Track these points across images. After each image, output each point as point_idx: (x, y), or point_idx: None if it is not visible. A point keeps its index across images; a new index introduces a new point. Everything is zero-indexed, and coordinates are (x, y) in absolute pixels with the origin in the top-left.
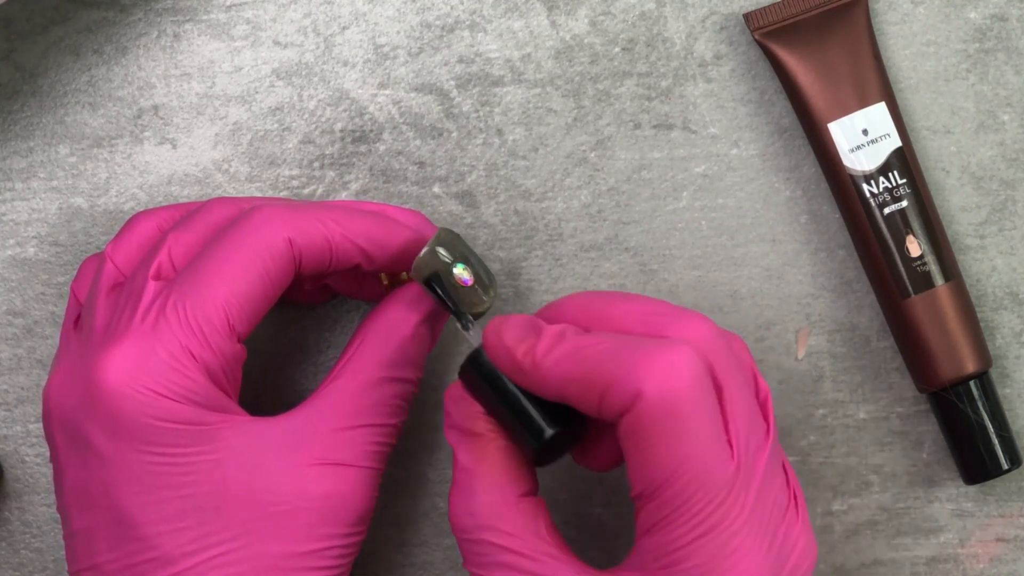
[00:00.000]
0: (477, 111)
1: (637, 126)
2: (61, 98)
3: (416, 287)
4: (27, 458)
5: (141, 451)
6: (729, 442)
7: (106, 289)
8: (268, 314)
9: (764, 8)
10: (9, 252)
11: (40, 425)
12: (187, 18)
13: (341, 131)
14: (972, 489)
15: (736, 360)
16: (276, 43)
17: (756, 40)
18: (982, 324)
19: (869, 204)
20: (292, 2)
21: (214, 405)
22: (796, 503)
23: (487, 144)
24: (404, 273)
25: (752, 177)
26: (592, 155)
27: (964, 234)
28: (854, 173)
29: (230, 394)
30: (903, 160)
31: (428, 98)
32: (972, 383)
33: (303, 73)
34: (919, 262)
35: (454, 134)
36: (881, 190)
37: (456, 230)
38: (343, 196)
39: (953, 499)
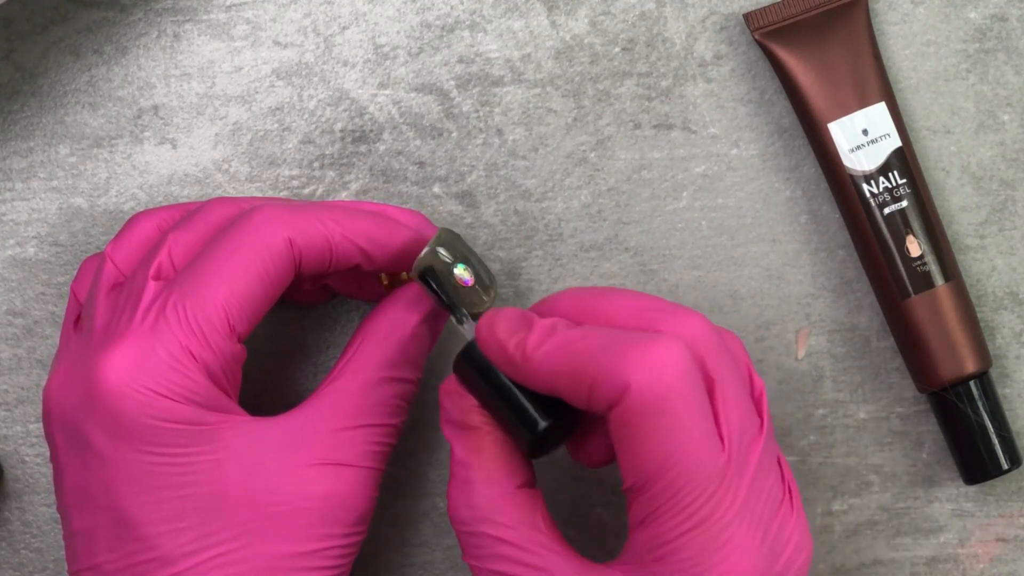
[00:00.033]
0: (477, 111)
1: (637, 126)
2: (61, 98)
3: (416, 287)
4: (27, 458)
5: (141, 451)
6: (720, 435)
7: (106, 289)
8: (268, 314)
9: (764, 8)
10: (9, 252)
11: (40, 425)
12: (187, 18)
13: (341, 131)
14: (972, 489)
15: (729, 355)
16: (276, 43)
17: (756, 40)
18: (982, 324)
19: (869, 204)
20: (292, 2)
21: (214, 405)
22: (791, 498)
23: (487, 144)
24: (404, 273)
25: (752, 177)
26: (592, 155)
27: (964, 234)
28: (854, 173)
29: (230, 394)
30: (903, 160)
31: (428, 98)
32: (972, 383)
33: (303, 73)
34: (919, 262)
35: (454, 134)
36: (881, 190)
37: (456, 230)
38: (343, 196)
39: (953, 499)
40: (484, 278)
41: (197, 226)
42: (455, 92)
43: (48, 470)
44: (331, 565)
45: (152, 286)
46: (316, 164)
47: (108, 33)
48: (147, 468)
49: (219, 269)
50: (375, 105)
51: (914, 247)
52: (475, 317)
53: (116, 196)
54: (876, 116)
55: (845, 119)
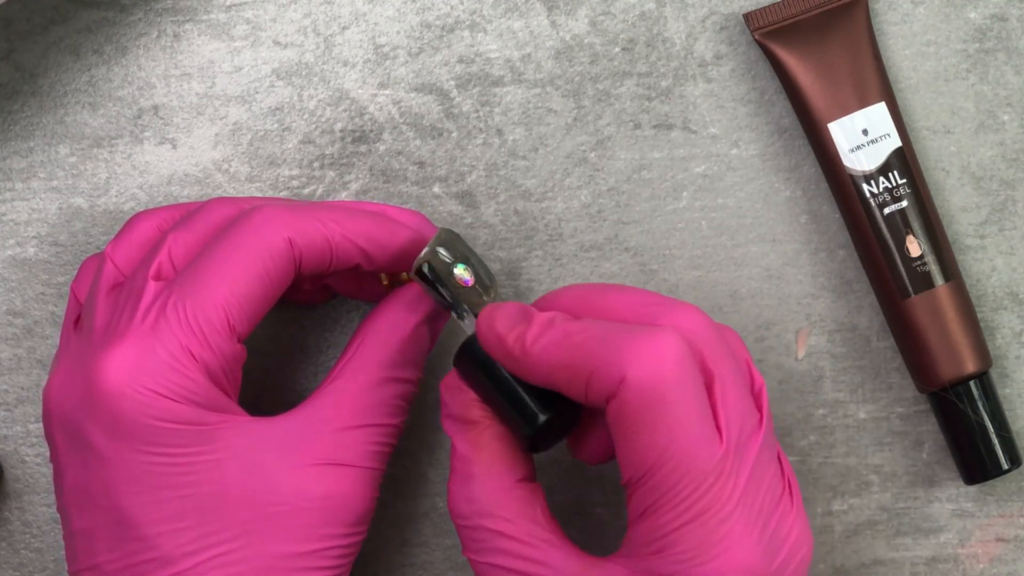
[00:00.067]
0: (477, 111)
1: (637, 126)
2: (61, 98)
3: (416, 287)
4: (27, 458)
5: (141, 451)
6: (718, 427)
7: (106, 289)
8: (268, 314)
9: (764, 8)
10: (9, 252)
11: (40, 425)
12: (187, 18)
13: (341, 131)
14: (972, 489)
15: (728, 350)
16: (276, 43)
17: (756, 40)
18: (982, 324)
19: (869, 204)
20: (292, 2)
21: (214, 405)
22: (791, 493)
23: (487, 144)
24: (404, 273)
25: (752, 177)
26: (592, 155)
27: (964, 234)
28: (854, 173)
29: (230, 394)
30: (903, 160)
31: (428, 98)
32: (972, 383)
33: (303, 73)
34: (919, 262)
35: (454, 134)
36: (881, 190)
37: (456, 230)
38: (343, 196)
39: (953, 499)
40: (484, 278)
41: (197, 226)
42: (455, 92)
43: (48, 470)
44: (331, 565)
45: (152, 286)
46: (316, 164)
47: (108, 33)
48: (147, 468)
49: (219, 269)
50: (375, 105)
51: (914, 247)
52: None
53: (116, 196)
54: (876, 116)
55: (845, 119)
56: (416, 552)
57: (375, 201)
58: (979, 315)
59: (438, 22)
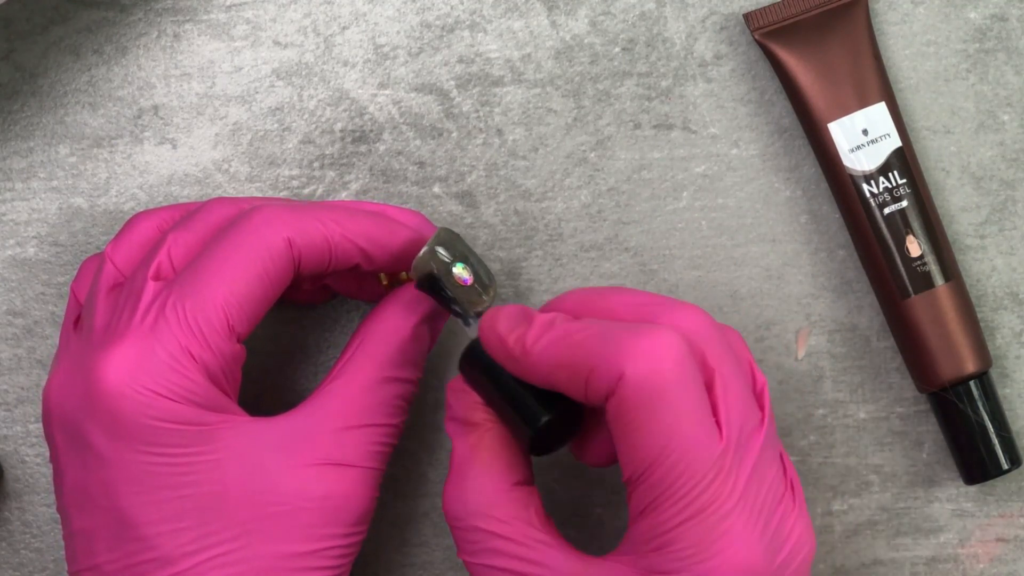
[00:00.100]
0: (477, 111)
1: (637, 126)
2: (61, 98)
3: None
4: (27, 458)
5: (141, 451)
6: (719, 424)
7: (106, 289)
8: (268, 314)
9: (764, 8)
10: (9, 252)
11: (40, 425)
12: (187, 18)
13: (341, 131)
14: (972, 489)
15: (729, 348)
16: (276, 43)
17: (756, 40)
18: (982, 324)
19: (869, 204)
20: (292, 2)
21: (214, 405)
22: (793, 493)
23: (487, 144)
24: (404, 273)
25: (752, 177)
26: (592, 155)
27: (964, 234)
28: (854, 173)
29: (230, 394)
30: (903, 160)
31: (428, 98)
32: (972, 383)
33: (303, 73)
34: (919, 262)
35: (454, 134)
36: (881, 190)
37: (456, 230)
38: (343, 196)
39: (953, 499)
40: (483, 277)
41: (197, 226)
42: (455, 92)
43: (48, 470)
44: (331, 565)
45: (151, 286)
46: (316, 164)
47: (108, 33)
48: (147, 468)
49: (219, 269)
50: (375, 105)
51: (914, 247)
52: (476, 316)
53: (116, 196)
54: (876, 116)
55: (845, 119)
56: (416, 552)
57: (375, 201)
58: (979, 315)
59: (438, 22)
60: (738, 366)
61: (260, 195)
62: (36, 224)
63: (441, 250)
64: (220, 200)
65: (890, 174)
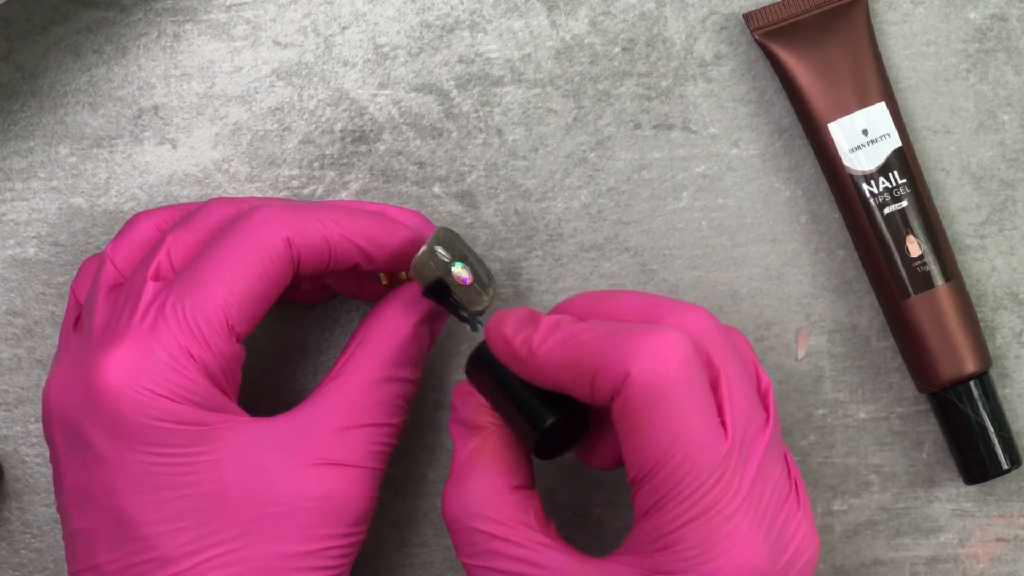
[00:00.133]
0: (477, 111)
1: (637, 126)
2: (61, 98)
3: (415, 287)
4: (27, 458)
5: (140, 451)
6: (724, 424)
7: (105, 289)
8: (267, 314)
9: (764, 8)
10: (9, 252)
11: (40, 425)
12: (187, 18)
13: (341, 131)
14: (972, 489)
15: (734, 349)
16: (276, 43)
17: (756, 40)
18: (982, 324)
19: (869, 204)
20: (292, 2)
21: (213, 405)
22: (797, 493)
23: (487, 144)
24: (403, 273)
25: (752, 177)
26: (592, 155)
27: (964, 234)
28: (854, 173)
29: (229, 394)
30: (903, 160)
31: (428, 98)
32: (972, 383)
33: (303, 73)
34: (919, 262)
35: (454, 134)
36: (881, 190)
37: (456, 230)
38: (343, 196)
39: (953, 499)
40: (482, 276)
41: (196, 226)
42: (455, 92)
43: (48, 470)
44: (331, 565)
45: (151, 286)
46: (316, 164)
47: (108, 33)
48: (147, 468)
49: (218, 269)
50: (375, 105)
51: (914, 247)
52: (476, 315)
53: (116, 196)
54: (876, 116)
55: (845, 119)
56: (416, 552)
57: (375, 201)
58: (979, 315)
59: (438, 22)
60: (743, 367)
61: (260, 195)
62: (36, 224)
63: (440, 249)
64: (220, 200)
65: (890, 174)
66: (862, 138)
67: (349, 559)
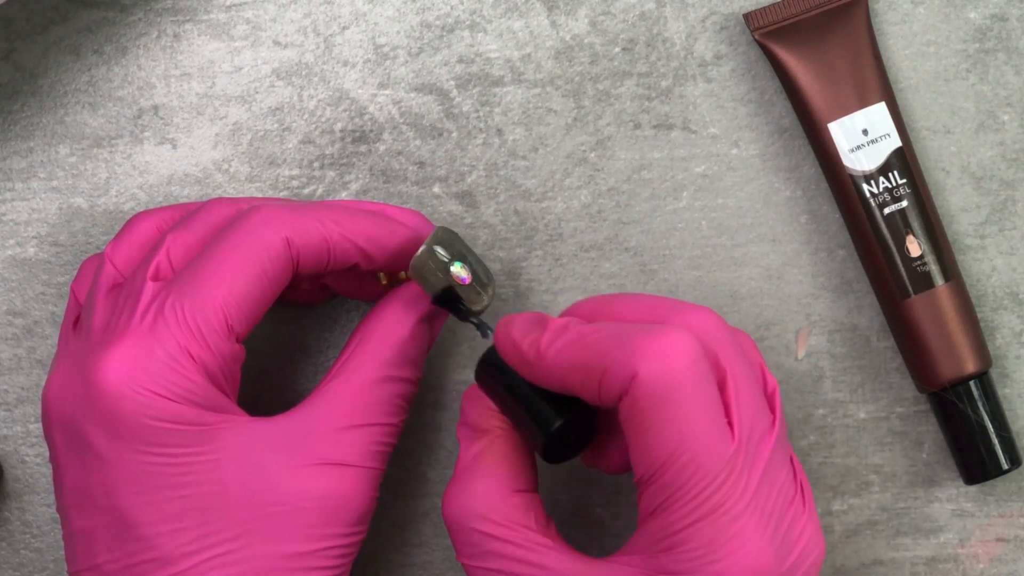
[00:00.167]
0: (477, 111)
1: (637, 126)
2: (61, 98)
3: (415, 286)
4: (27, 458)
5: (140, 451)
6: (731, 425)
7: (105, 289)
8: (267, 314)
9: (764, 8)
10: (9, 252)
11: (40, 425)
12: (187, 18)
13: (341, 131)
14: (972, 489)
15: (741, 351)
16: (276, 43)
17: (756, 40)
18: (982, 324)
19: (869, 204)
20: (292, 2)
21: (213, 405)
22: (803, 496)
23: (487, 144)
24: (403, 272)
25: (752, 177)
26: (592, 155)
27: (964, 234)
28: (854, 173)
29: (229, 394)
30: (903, 160)
31: (428, 98)
32: (972, 383)
33: (303, 73)
34: (919, 262)
35: (454, 134)
36: (881, 190)
37: (456, 230)
38: (343, 196)
39: (953, 499)
40: (482, 276)
41: (196, 226)
42: (455, 92)
43: (48, 470)
44: (331, 565)
45: (150, 286)
46: (316, 164)
47: (108, 33)
48: (146, 468)
49: (217, 269)
50: (375, 105)
51: (914, 247)
52: (476, 315)
53: (116, 196)
54: (876, 116)
55: (845, 119)
56: (416, 552)
57: (375, 201)
58: (979, 315)
59: (438, 22)
60: (750, 368)
61: (260, 195)
62: (36, 224)
63: (439, 249)
64: (219, 200)
65: (890, 174)
66: (862, 138)
67: (349, 559)
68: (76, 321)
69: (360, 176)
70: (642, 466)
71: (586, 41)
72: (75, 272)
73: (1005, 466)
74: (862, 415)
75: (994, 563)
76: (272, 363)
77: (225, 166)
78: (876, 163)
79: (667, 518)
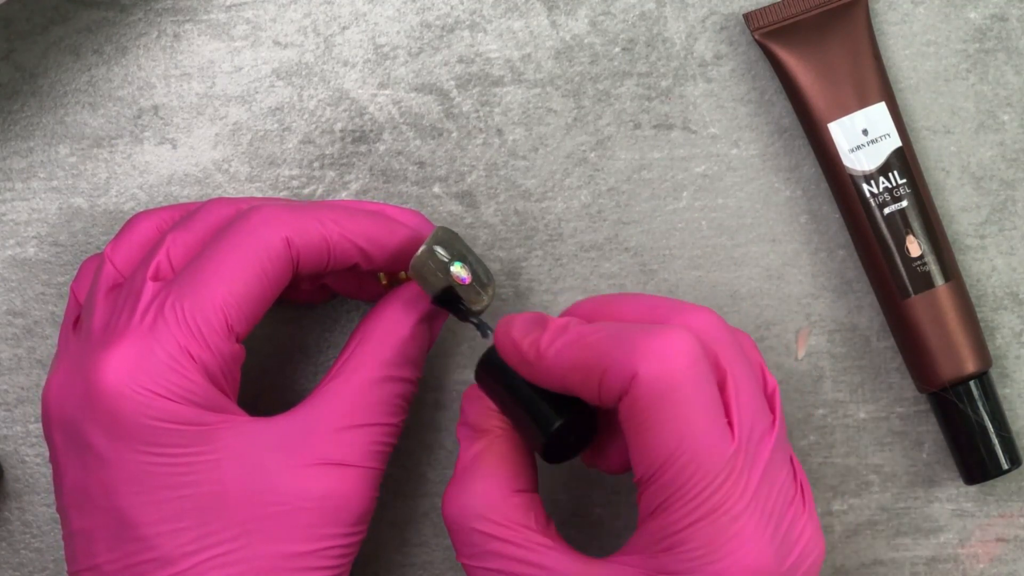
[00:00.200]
0: (477, 111)
1: (637, 126)
2: (61, 98)
3: (415, 286)
4: (27, 458)
5: (140, 451)
6: (731, 425)
7: (105, 289)
8: (267, 314)
9: (764, 8)
10: (9, 252)
11: (40, 425)
12: (187, 18)
13: (341, 131)
14: (972, 489)
15: (742, 351)
16: (276, 43)
17: (756, 40)
18: (982, 324)
19: (869, 204)
20: (292, 2)
21: (213, 405)
22: (803, 496)
23: (487, 144)
24: (403, 272)
25: (752, 177)
26: (592, 155)
27: (964, 234)
28: (854, 173)
29: (229, 394)
30: (903, 160)
31: (428, 98)
32: (972, 383)
33: (303, 73)
34: (919, 262)
35: (454, 134)
36: (881, 190)
37: (456, 230)
38: (343, 196)
39: (953, 499)
40: (481, 276)
41: (196, 226)
42: (455, 92)
43: (48, 470)
44: (331, 565)
45: (150, 286)
46: (316, 164)
47: (108, 33)
48: (146, 468)
49: (217, 269)
50: (375, 105)
51: (914, 247)
52: (476, 315)
53: (116, 196)
54: (876, 116)
55: (845, 119)
56: (416, 552)
57: (375, 201)
58: (979, 315)
59: (438, 22)
60: (750, 368)
61: (260, 195)
62: (36, 224)
63: (439, 249)
64: (219, 200)
65: (890, 174)
66: (862, 138)
67: (349, 559)
68: (76, 321)
69: (360, 176)
70: (642, 466)
71: (586, 41)
72: (75, 272)
73: (1005, 466)
74: (862, 415)
75: (994, 563)
76: (272, 363)
77: (225, 166)
78: (876, 163)
79: (667, 518)
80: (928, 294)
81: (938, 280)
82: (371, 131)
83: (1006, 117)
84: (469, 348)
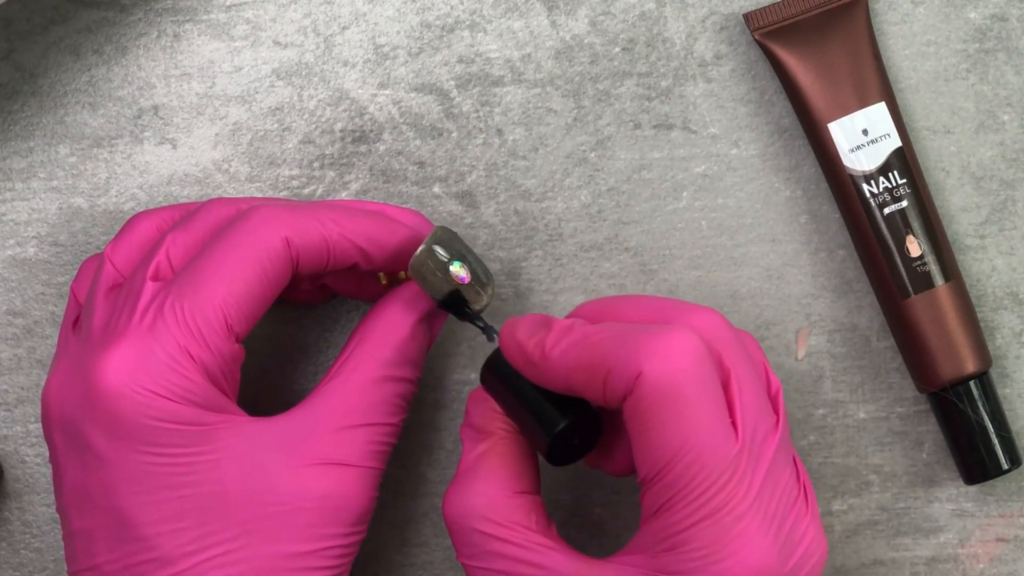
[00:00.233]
0: (477, 111)
1: (637, 126)
2: (61, 98)
3: (414, 286)
4: (27, 458)
5: (140, 452)
6: (735, 425)
7: (104, 290)
8: (267, 314)
9: (764, 8)
10: (9, 252)
11: (40, 425)
12: (187, 18)
13: (341, 131)
14: (972, 489)
15: (745, 351)
16: (276, 43)
17: (756, 40)
18: (982, 324)
19: (869, 204)
20: (292, 2)
21: (213, 405)
22: (806, 496)
23: (487, 144)
24: (402, 272)
25: (752, 177)
26: (592, 155)
27: (964, 234)
28: (854, 173)
29: (229, 394)
30: (903, 160)
31: (428, 98)
32: (972, 383)
33: (303, 73)
34: (919, 262)
35: (454, 134)
36: (881, 190)
37: (456, 230)
38: (343, 196)
39: (953, 499)
40: (481, 275)
41: (195, 226)
42: (455, 92)
43: (48, 470)
44: (331, 565)
45: (150, 286)
46: (316, 164)
47: (108, 33)
48: (146, 468)
49: (217, 269)
50: (375, 105)
51: (914, 247)
52: (475, 314)
53: (116, 196)
54: (876, 116)
55: (845, 119)
56: (416, 552)
57: (375, 201)
58: (979, 315)
59: (438, 22)
60: (754, 368)
61: (260, 195)
62: (36, 224)
63: (438, 248)
64: (219, 200)
65: (890, 174)
66: (862, 138)
67: (349, 559)
68: (76, 321)
69: (360, 176)
70: (646, 466)
71: (586, 41)
72: (75, 272)
73: (1005, 466)
74: (862, 415)
75: (994, 563)
76: (272, 363)
77: (225, 166)
78: (876, 163)
79: (670, 518)
80: (928, 294)
81: (938, 280)
82: (371, 131)
83: (1006, 117)
84: (469, 348)
